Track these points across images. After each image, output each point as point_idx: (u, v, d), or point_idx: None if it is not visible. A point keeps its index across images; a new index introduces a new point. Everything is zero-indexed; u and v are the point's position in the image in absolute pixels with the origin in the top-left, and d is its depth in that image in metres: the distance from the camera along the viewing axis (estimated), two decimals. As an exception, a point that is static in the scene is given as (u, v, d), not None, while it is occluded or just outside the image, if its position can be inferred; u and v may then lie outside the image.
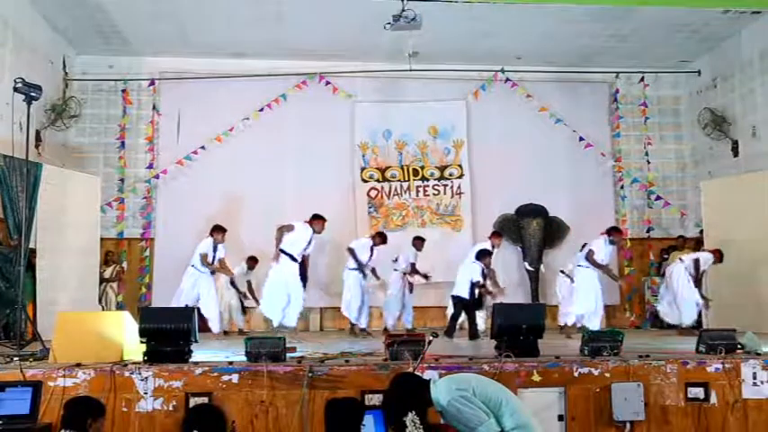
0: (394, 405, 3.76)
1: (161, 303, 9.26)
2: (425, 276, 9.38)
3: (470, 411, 3.60)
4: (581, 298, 8.21)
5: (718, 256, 8.62)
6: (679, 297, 8.61)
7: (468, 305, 8.45)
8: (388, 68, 10.84)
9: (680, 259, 8.94)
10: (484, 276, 8.44)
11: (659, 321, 9.55)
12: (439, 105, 11.24)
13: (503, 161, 10.96)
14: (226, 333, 8.97)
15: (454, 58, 10.80)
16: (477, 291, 8.43)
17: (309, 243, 8.36)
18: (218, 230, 8.54)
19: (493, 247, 8.92)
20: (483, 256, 8.52)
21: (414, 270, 9.22)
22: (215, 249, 8.49)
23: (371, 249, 8.96)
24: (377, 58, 10.68)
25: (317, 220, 8.34)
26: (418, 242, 9.30)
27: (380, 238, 9.10)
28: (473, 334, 8.24)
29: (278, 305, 8.17)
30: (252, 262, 9.61)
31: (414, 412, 3.62)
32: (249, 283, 9.67)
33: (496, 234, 9.35)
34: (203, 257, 8.40)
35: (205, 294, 8.35)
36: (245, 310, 9.77)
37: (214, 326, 8.38)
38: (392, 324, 9.22)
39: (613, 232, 8.30)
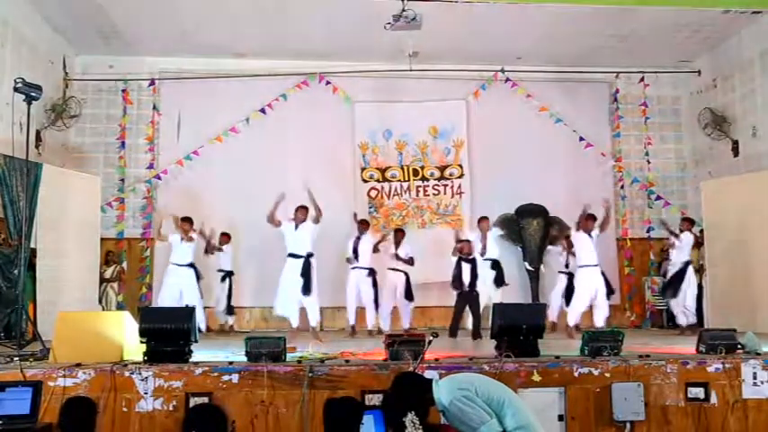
0: (394, 405, 3.76)
1: (161, 303, 9.25)
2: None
3: (472, 411, 3.59)
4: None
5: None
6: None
7: (467, 300, 8.41)
8: (388, 68, 10.81)
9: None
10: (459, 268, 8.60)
11: (659, 321, 9.55)
12: (439, 105, 11.21)
13: (503, 161, 10.94)
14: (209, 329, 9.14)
15: (454, 58, 10.78)
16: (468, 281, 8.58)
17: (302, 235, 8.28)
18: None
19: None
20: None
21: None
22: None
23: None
24: (377, 58, 10.65)
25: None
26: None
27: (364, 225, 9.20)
28: (475, 332, 8.23)
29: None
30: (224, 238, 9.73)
31: (413, 412, 3.62)
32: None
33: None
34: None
35: (187, 292, 8.39)
36: (231, 309, 9.79)
37: (201, 323, 8.46)
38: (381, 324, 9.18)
39: None
